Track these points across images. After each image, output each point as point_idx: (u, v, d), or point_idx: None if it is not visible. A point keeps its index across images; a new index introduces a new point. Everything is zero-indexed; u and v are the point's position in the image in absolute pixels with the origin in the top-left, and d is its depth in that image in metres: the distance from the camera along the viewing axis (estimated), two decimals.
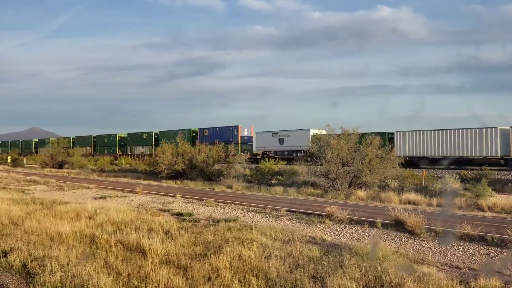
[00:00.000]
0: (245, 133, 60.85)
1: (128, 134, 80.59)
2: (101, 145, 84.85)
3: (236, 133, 60.12)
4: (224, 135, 60.11)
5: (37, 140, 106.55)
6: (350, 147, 29.25)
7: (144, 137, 76.87)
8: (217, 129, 63.36)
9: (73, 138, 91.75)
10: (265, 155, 52.70)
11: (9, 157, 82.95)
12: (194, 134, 66.26)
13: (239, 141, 59.18)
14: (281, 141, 54.89)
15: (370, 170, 28.64)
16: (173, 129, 69.35)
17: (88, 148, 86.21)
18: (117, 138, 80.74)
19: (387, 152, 29.87)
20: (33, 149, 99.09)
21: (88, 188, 32.08)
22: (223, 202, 22.96)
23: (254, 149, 58.99)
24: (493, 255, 12.22)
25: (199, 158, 40.50)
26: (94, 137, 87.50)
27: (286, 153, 53.38)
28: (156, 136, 73.39)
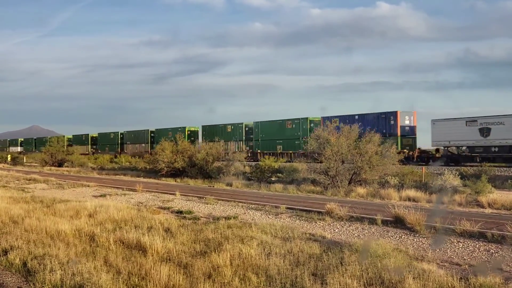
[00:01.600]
0: (406, 122, 45.24)
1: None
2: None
3: (393, 122, 44.92)
4: (379, 125, 44.88)
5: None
6: (350, 144, 29.23)
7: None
8: (356, 116, 47.27)
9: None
10: (449, 153, 40.46)
11: (9, 156, 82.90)
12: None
13: (398, 133, 43.88)
14: (483, 131, 37.52)
15: (370, 167, 28.63)
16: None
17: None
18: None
19: (386, 149, 29.81)
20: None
21: (88, 186, 32.06)
22: (223, 200, 22.96)
23: (423, 143, 44.90)
24: (493, 251, 12.23)
25: (199, 156, 40.53)
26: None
27: (495, 149, 37.23)
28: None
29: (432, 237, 13.80)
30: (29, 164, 74.90)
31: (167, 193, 26.54)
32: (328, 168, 28.56)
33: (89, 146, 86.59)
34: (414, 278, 8.86)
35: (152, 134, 72.39)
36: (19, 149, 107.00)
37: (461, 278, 9.19)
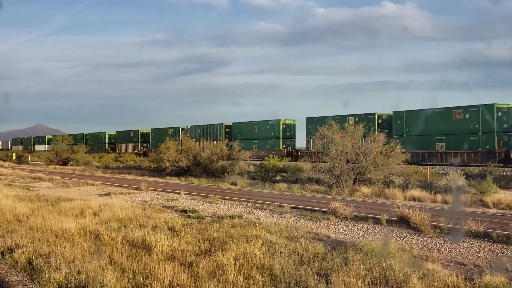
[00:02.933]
0: None
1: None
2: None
3: None
4: None
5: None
6: (355, 143, 29.20)
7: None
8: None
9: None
10: None
11: (14, 154, 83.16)
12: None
13: None
14: None
15: (374, 167, 28.58)
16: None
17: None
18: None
19: (391, 149, 29.75)
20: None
21: (93, 185, 32.14)
22: (227, 199, 22.97)
23: None
24: (498, 251, 12.20)
25: (203, 155, 40.54)
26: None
27: None
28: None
29: (451, 232, 13.78)
30: (34, 162, 75.13)
31: (171, 192, 26.57)
32: (332, 167, 28.54)
33: (139, 144, 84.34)
34: (418, 277, 8.85)
35: (227, 129, 64.47)
36: (46, 147, 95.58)
37: (466, 278, 9.18)
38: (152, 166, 46.89)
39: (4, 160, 78.27)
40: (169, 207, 20.36)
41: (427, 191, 24.10)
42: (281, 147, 55.20)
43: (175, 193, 26.01)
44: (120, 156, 70.07)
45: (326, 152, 29.01)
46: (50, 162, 66.20)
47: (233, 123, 62.66)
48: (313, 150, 45.00)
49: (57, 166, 61.66)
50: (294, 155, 52.19)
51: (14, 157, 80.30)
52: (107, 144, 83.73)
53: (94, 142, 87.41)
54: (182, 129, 69.64)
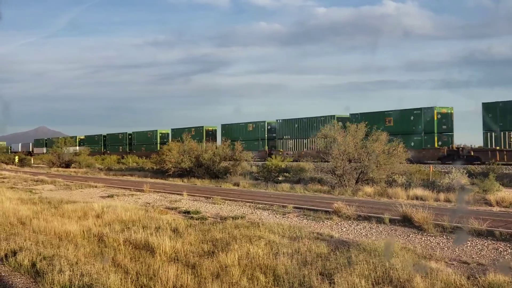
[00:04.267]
0: None
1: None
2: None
3: None
4: None
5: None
6: (357, 143, 29.19)
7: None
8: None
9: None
10: None
11: (16, 157, 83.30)
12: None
13: None
14: None
15: (377, 166, 28.57)
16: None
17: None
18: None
19: (393, 148, 29.74)
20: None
21: (96, 187, 32.15)
22: (230, 200, 22.97)
23: None
24: (502, 250, 12.18)
25: (206, 156, 40.56)
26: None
27: None
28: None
29: (455, 233, 13.76)
30: (36, 165, 75.26)
31: (174, 194, 26.58)
32: (335, 167, 28.54)
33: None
34: (422, 277, 8.84)
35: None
36: (77, 149, 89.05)
37: (469, 276, 9.18)
38: (155, 167, 46.93)
39: (6, 163, 78.33)
40: (172, 209, 20.37)
41: (430, 190, 24.10)
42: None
43: (177, 194, 26.02)
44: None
45: (329, 152, 28.99)
46: (53, 165, 66.27)
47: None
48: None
49: (60, 169, 61.71)
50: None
51: (16, 160, 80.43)
52: (158, 145, 76.16)
53: (141, 143, 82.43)
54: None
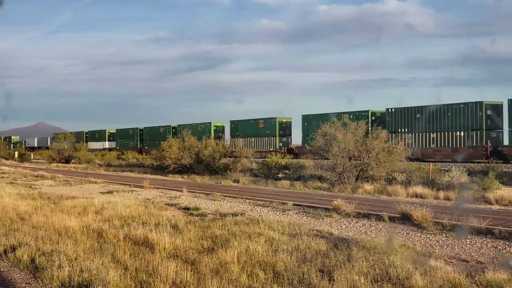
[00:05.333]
0: None
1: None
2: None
3: None
4: None
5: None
6: (357, 140, 29.19)
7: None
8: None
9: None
10: None
11: (16, 152, 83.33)
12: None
13: None
14: None
15: (377, 164, 28.57)
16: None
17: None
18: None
19: (393, 146, 29.74)
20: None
21: (95, 182, 32.17)
22: (230, 196, 22.98)
23: None
24: (501, 248, 12.19)
25: (206, 152, 40.53)
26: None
27: None
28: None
29: (457, 229, 13.76)
30: (36, 161, 75.28)
31: (174, 190, 26.59)
32: (335, 164, 28.53)
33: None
34: (421, 274, 8.85)
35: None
36: (107, 144, 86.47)
37: (468, 274, 9.19)
38: (155, 164, 46.92)
39: (6, 159, 78.40)
40: (171, 205, 20.37)
41: (429, 188, 24.07)
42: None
43: (177, 190, 26.03)
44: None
45: (328, 150, 28.97)
46: (53, 160, 66.29)
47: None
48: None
49: (59, 164, 61.71)
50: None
51: (16, 155, 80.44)
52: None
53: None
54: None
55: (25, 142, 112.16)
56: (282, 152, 49.91)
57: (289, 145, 55.87)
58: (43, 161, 71.53)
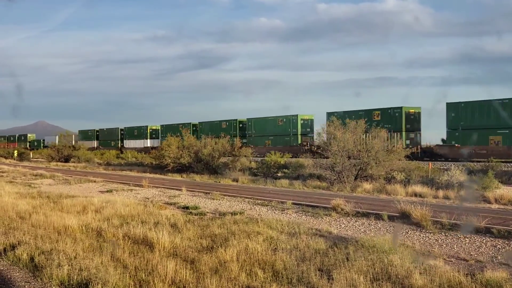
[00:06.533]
0: None
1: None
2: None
3: None
4: None
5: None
6: (356, 139, 29.19)
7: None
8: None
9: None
10: None
11: (15, 151, 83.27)
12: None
13: None
14: None
15: (376, 163, 28.58)
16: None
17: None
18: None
19: (393, 145, 29.76)
20: None
21: (95, 181, 32.17)
22: (229, 195, 22.98)
23: None
24: (500, 247, 12.20)
25: (205, 151, 40.49)
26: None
27: None
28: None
29: (463, 226, 13.78)
30: (35, 159, 75.27)
31: (173, 189, 26.59)
32: (334, 163, 28.53)
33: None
34: (420, 273, 8.86)
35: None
36: (149, 143, 76.19)
37: (467, 273, 9.19)
38: (154, 163, 46.90)
39: (5, 157, 78.34)
40: (170, 204, 20.38)
41: (428, 187, 24.09)
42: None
43: (176, 189, 26.04)
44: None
45: (327, 148, 28.98)
46: (52, 159, 66.29)
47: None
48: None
49: (59, 163, 61.68)
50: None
51: (15, 154, 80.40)
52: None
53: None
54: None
55: (43, 140, 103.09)
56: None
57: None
58: (42, 160, 71.51)
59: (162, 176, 38.49)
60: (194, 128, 67.36)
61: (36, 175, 38.70)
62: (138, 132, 79.33)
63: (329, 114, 46.29)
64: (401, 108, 44.54)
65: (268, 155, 39.80)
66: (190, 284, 8.43)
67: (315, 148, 46.04)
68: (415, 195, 22.97)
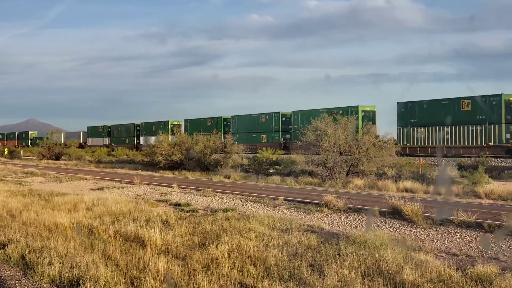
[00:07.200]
0: None
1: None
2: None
3: None
4: None
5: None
6: (348, 135, 29.25)
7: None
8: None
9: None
10: None
11: (6, 149, 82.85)
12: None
13: None
14: None
15: (367, 159, 28.65)
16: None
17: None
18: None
19: (384, 141, 29.84)
20: None
21: (86, 179, 32.06)
22: (220, 192, 22.98)
23: None
24: (490, 241, 12.25)
25: (197, 148, 40.48)
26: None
27: None
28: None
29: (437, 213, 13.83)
30: (26, 157, 74.91)
31: (165, 186, 26.55)
32: (325, 160, 28.58)
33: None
34: (411, 268, 8.89)
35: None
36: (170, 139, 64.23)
37: (458, 268, 9.24)
38: (145, 160, 46.83)
39: None
40: (162, 201, 20.34)
41: (419, 182, 24.18)
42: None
43: (168, 186, 26.00)
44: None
45: (319, 145, 29.02)
46: (43, 157, 66.01)
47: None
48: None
49: (50, 161, 61.46)
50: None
51: (6, 152, 80.00)
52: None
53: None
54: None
55: (47, 138, 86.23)
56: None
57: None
58: (33, 158, 71.18)
59: (154, 174, 38.43)
60: (225, 123, 63.46)
61: (27, 173, 38.52)
62: (157, 128, 71.71)
63: (402, 104, 42.69)
64: (500, 95, 37.40)
65: (260, 152, 39.78)
66: (182, 281, 8.42)
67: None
68: (406, 190, 23.06)
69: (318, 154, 29.58)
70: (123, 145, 77.05)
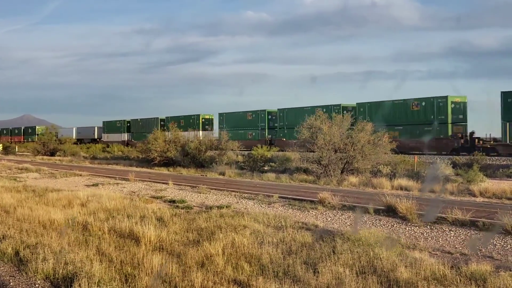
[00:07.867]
0: None
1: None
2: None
3: None
4: None
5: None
6: (343, 133, 29.27)
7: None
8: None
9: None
10: None
11: (1, 145, 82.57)
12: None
13: None
14: None
15: (362, 156, 28.68)
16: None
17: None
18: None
19: (379, 138, 29.85)
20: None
21: (80, 175, 32.00)
22: (215, 189, 22.97)
23: None
24: (485, 240, 12.29)
25: (192, 145, 40.43)
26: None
27: None
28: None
29: (427, 211, 13.87)
30: (21, 153, 74.67)
31: (159, 183, 26.52)
32: (320, 157, 28.60)
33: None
34: (406, 266, 8.91)
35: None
36: (200, 134, 57.36)
37: (452, 266, 9.27)
38: (140, 156, 46.75)
39: None
40: (157, 198, 20.32)
41: (414, 180, 24.20)
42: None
43: (163, 183, 25.97)
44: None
45: (314, 142, 29.03)
46: (38, 153, 65.90)
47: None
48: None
49: (44, 157, 61.27)
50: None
51: (0, 148, 79.75)
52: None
53: None
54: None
55: (56, 134, 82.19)
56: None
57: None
58: (28, 153, 71.00)
59: (149, 170, 38.37)
60: (269, 117, 58.37)
61: (21, 169, 38.43)
62: (185, 122, 65.98)
63: (509, 94, 36.27)
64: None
65: (255, 149, 39.76)
66: (176, 277, 8.42)
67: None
68: (401, 188, 23.07)
69: (313, 152, 29.59)
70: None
